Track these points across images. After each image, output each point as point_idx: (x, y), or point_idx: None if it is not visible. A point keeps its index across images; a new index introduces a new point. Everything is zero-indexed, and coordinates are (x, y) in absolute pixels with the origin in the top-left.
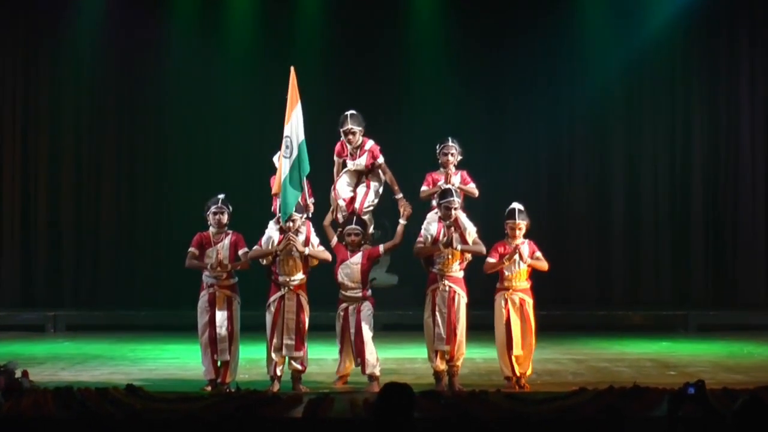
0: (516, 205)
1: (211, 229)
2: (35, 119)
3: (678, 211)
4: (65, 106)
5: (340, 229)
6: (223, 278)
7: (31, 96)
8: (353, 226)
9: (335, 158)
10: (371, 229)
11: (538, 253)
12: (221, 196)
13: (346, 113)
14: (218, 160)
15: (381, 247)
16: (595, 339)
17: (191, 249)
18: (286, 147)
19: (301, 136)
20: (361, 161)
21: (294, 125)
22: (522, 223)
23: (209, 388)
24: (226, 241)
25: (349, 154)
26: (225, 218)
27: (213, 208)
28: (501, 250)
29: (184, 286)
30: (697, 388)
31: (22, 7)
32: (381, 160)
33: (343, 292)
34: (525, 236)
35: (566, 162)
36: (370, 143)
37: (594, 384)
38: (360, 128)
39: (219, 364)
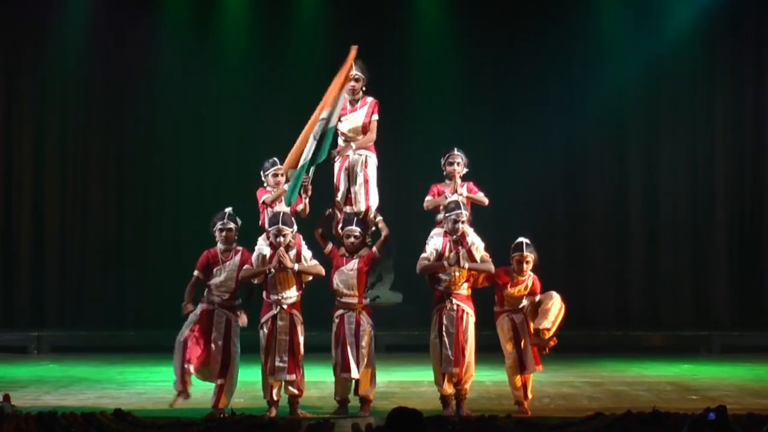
0: (522, 239)
1: (219, 246)
2: (18, 132)
3: (700, 225)
4: (49, 120)
5: (338, 227)
6: (226, 298)
7: (14, 107)
8: (353, 227)
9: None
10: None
11: (539, 297)
12: (228, 210)
13: None
14: (210, 174)
15: (374, 248)
16: (613, 361)
17: (196, 272)
18: (320, 129)
19: (333, 122)
20: (360, 114)
21: (331, 110)
22: (530, 256)
23: (180, 400)
24: (237, 258)
25: (348, 104)
26: (233, 234)
27: (219, 225)
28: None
29: (175, 305)
30: (719, 414)
31: (3, 12)
32: (377, 116)
33: (338, 299)
34: (532, 270)
35: (581, 175)
36: (370, 98)
37: (611, 409)
38: (364, 76)
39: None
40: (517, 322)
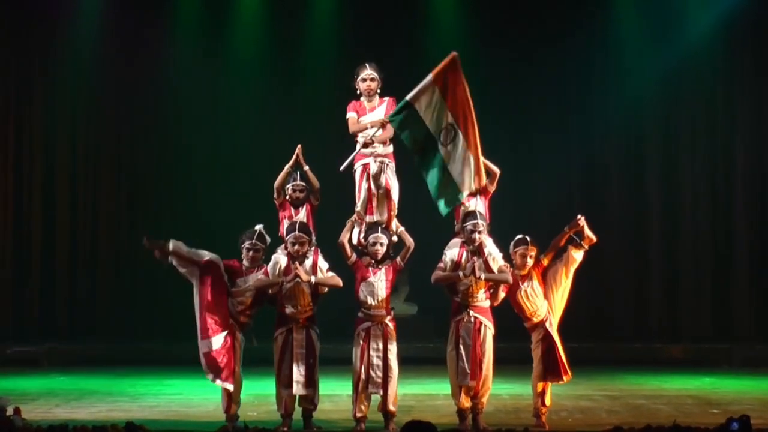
0: (523, 235)
1: (245, 263)
2: (29, 142)
3: (720, 236)
4: (60, 130)
5: (360, 237)
6: (239, 310)
7: (25, 114)
8: (379, 234)
9: (349, 114)
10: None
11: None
12: (259, 228)
13: (363, 63)
14: (224, 183)
15: (398, 259)
16: (632, 374)
17: (216, 257)
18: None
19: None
20: (379, 114)
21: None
22: (534, 250)
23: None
24: (259, 274)
25: (366, 104)
26: (260, 255)
27: (248, 243)
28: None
29: (186, 317)
30: (742, 424)
31: (14, 19)
32: None
33: (365, 311)
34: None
35: (600, 186)
36: (387, 97)
37: (630, 423)
38: (379, 77)
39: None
40: (549, 331)
